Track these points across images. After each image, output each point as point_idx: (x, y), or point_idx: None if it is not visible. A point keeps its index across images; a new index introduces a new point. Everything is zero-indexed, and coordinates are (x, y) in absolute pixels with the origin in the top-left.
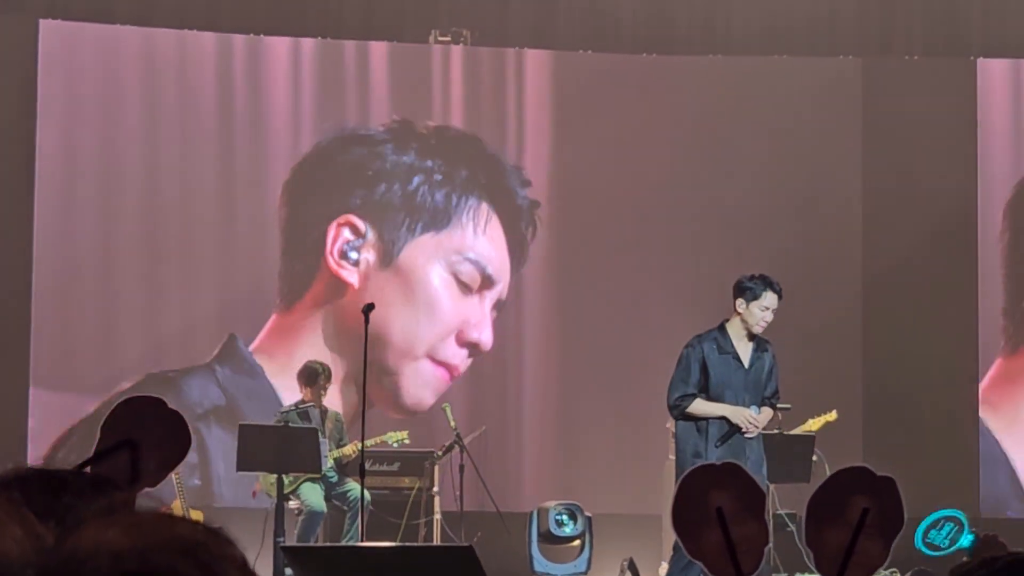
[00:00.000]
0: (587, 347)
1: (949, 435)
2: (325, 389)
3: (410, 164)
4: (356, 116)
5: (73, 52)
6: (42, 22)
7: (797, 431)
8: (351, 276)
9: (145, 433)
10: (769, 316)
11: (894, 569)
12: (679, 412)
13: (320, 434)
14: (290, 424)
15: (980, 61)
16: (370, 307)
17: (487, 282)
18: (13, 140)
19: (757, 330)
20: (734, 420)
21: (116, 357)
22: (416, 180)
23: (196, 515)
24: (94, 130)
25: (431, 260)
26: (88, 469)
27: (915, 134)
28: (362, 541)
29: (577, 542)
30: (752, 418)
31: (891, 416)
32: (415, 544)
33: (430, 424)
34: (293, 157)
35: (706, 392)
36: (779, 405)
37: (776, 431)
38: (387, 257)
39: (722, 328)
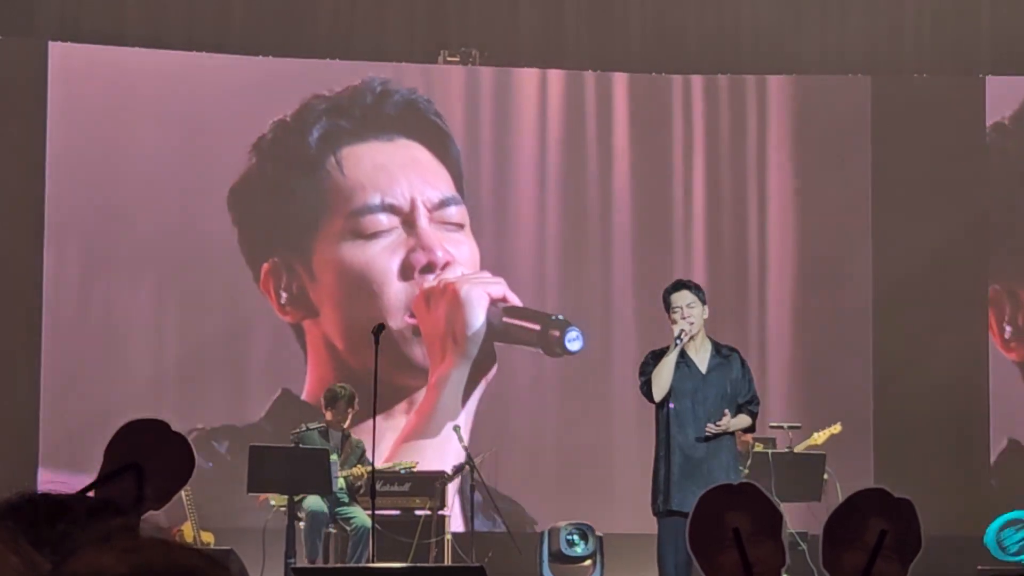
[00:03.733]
0: (598, 367)
1: (961, 448)
2: (346, 413)
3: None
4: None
5: (83, 74)
6: (51, 44)
7: (802, 446)
8: (298, 314)
9: (149, 456)
10: (686, 313)
11: None
12: (647, 389)
13: (333, 454)
14: (303, 444)
15: (989, 79)
16: (380, 328)
17: (394, 210)
18: (23, 162)
19: (690, 331)
20: (678, 344)
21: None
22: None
23: (207, 536)
24: (103, 152)
25: (334, 243)
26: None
27: (924, 151)
28: (372, 562)
29: (588, 562)
30: (684, 325)
31: (902, 432)
32: (426, 565)
33: (441, 446)
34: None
35: (665, 399)
36: (788, 424)
37: (787, 449)
38: (308, 271)
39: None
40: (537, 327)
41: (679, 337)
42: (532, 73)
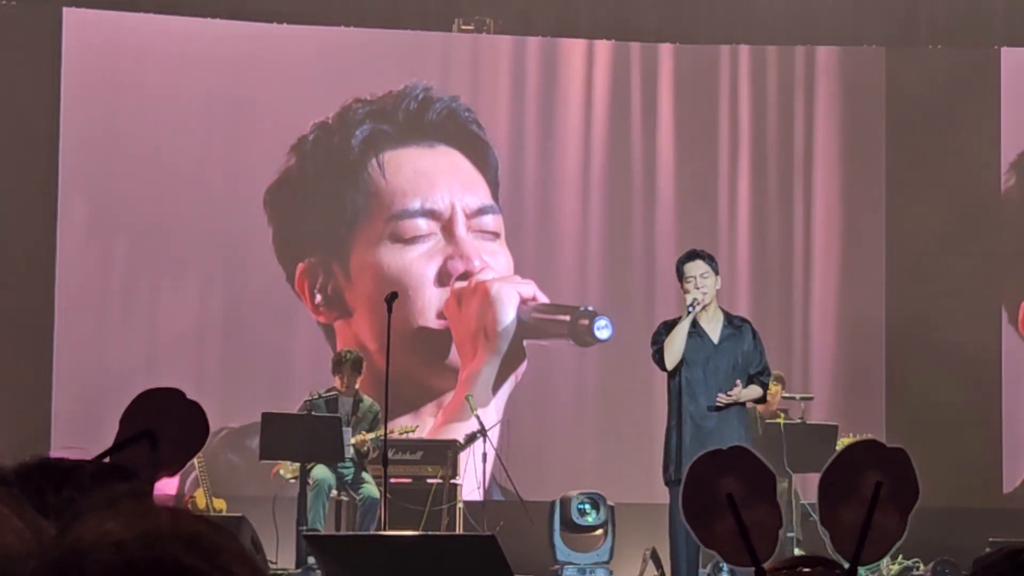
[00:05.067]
0: (620, 338)
1: (973, 427)
2: (353, 378)
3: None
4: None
5: (97, 40)
6: (66, 10)
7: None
8: (332, 315)
9: (164, 423)
10: (700, 283)
11: (917, 559)
12: (660, 357)
13: (344, 423)
14: (314, 412)
15: (1004, 50)
16: (393, 296)
17: (433, 216)
18: (37, 127)
19: (703, 300)
20: (690, 312)
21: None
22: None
23: (219, 503)
24: (117, 118)
25: (372, 246)
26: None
27: (938, 123)
28: (384, 530)
29: (600, 531)
30: (697, 297)
31: (914, 406)
32: (437, 533)
33: (454, 414)
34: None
35: (677, 369)
36: (801, 396)
37: (799, 420)
38: (344, 273)
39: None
40: (567, 318)
41: (691, 306)
42: (579, 44)
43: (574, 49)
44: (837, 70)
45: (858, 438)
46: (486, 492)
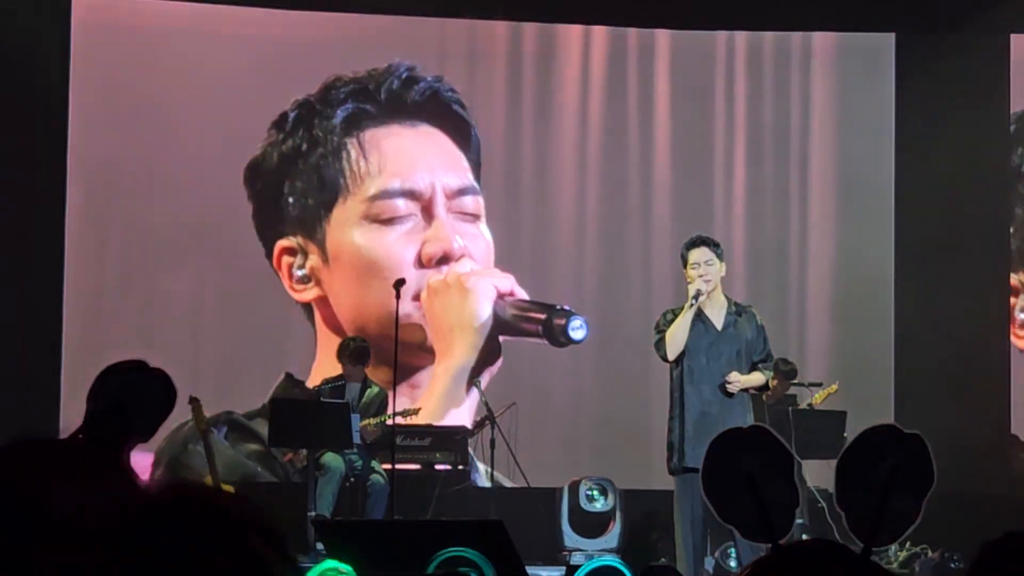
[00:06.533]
0: (618, 321)
1: (982, 412)
2: (354, 364)
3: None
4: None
5: (105, 25)
6: None
7: (801, 407)
8: (310, 293)
9: (132, 396)
10: (704, 270)
11: (924, 545)
12: (663, 350)
13: (351, 409)
14: (322, 399)
15: (1014, 37)
16: (401, 282)
17: (413, 196)
18: (46, 112)
19: (705, 288)
20: (694, 304)
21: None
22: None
23: (227, 489)
24: (125, 100)
25: (351, 225)
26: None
27: (948, 110)
28: (392, 516)
29: (608, 517)
30: (703, 276)
31: (924, 393)
32: (445, 519)
33: (462, 400)
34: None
35: (680, 357)
36: (809, 382)
37: (807, 406)
38: (322, 252)
39: (691, 304)
40: (543, 315)
41: (695, 297)
42: (575, 30)
43: (570, 34)
44: (846, 56)
45: (831, 390)
46: (493, 478)
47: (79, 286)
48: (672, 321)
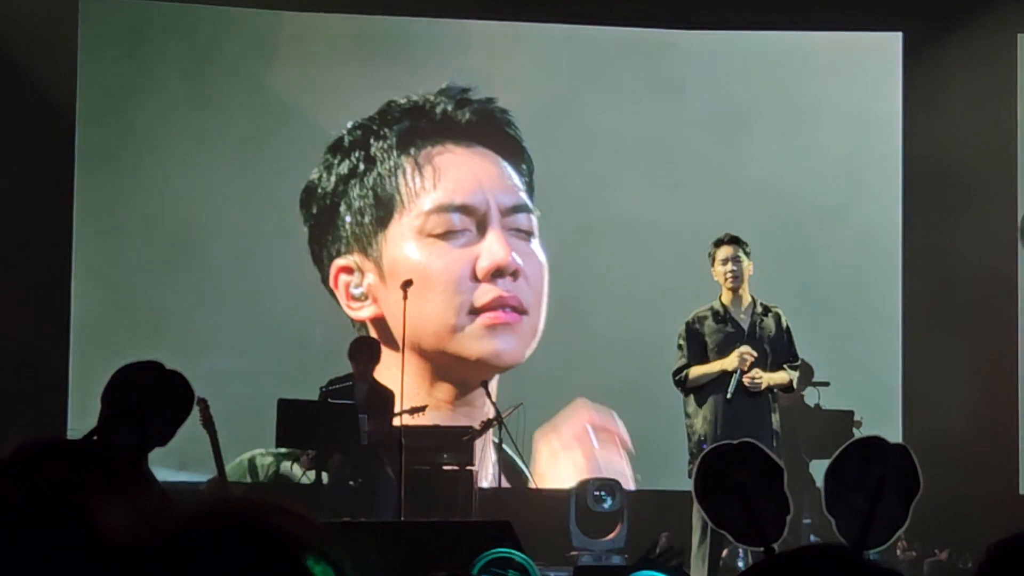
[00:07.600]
0: (624, 324)
1: (990, 415)
2: (367, 364)
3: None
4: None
5: (113, 27)
6: None
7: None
8: (367, 311)
9: (147, 398)
10: (732, 266)
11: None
12: (682, 386)
13: (359, 409)
14: (330, 400)
15: (1021, 36)
16: (408, 283)
17: (468, 211)
18: (53, 111)
19: (732, 286)
20: (731, 367)
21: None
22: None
23: (239, 484)
24: (133, 100)
25: (406, 242)
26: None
27: (956, 108)
28: (400, 517)
29: (615, 518)
30: (747, 351)
31: (929, 394)
32: (453, 520)
33: (470, 401)
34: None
35: (706, 360)
36: (816, 381)
37: (815, 405)
38: (378, 269)
39: (718, 299)
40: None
41: (732, 392)
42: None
43: (594, 36)
44: (853, 55)
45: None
46: (500, 479)
47: (86, 284)
48: (695, 335)
